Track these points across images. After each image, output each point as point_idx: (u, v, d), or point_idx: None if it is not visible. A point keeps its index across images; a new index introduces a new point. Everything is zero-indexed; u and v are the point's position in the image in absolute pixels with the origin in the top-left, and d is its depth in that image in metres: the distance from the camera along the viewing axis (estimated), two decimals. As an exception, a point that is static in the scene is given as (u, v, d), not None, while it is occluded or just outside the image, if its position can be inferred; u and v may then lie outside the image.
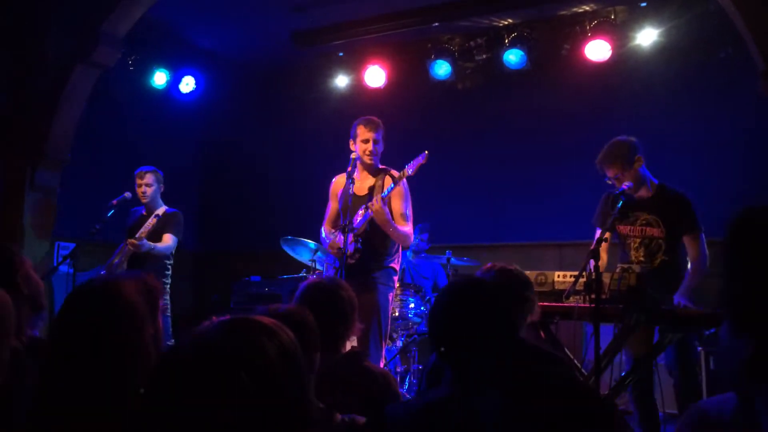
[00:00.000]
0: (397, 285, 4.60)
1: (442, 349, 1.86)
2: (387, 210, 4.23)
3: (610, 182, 4.02)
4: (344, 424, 1.72)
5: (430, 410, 1.75)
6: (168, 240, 5.26)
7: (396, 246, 4.45)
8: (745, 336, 1.00)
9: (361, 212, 4.35)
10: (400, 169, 4.27)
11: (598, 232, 4.21)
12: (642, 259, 4.03)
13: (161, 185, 5.47)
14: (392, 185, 4.22)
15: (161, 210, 5.38)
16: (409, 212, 4.41)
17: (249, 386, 1.08)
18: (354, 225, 4.28)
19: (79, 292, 1.78)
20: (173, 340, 5.09)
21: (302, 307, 2.33)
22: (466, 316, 1.84)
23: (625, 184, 3.90)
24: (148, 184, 5.39)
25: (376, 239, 4.33)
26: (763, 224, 1.04)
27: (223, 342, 1.12)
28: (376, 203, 4.17)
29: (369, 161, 4.42)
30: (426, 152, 4.14)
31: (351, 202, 4.31)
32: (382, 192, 4.30)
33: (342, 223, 4.32)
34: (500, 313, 1.86)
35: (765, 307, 0.98)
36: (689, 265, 3.99)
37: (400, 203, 4.34)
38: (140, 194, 5.39)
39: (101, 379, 1.60)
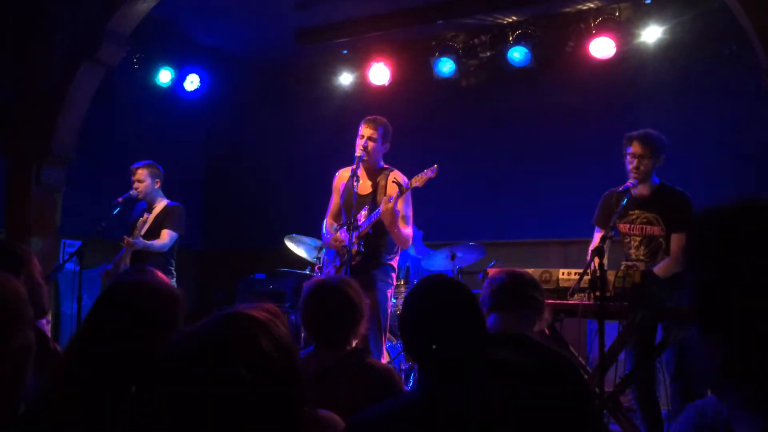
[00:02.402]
0: (396, 282, 4.64)
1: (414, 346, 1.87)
2: (398, 211, 4.27)
3: (626, 158, 4.01)
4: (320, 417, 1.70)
5: (402, 412, 1.75)
6: (165, 237, 5.22)
7: (395, 245, 4.52)
8: (716, 337, 0.99)
9: (364, 213, 4.41)
10: (405, 170, 4.29)
11: (597, 231, 4.22)
12: (643, 257, 4.03)
13: (157, 179, 5.42)
14: (399, 192, 4.24)
15: (161, 204, 5.38)
16: (410, 214, 4.48)
17: (248, 378, 1.08)
18: (359, 224, 4.35)
19: (112, 289, 1.80)
20: None
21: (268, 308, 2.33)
22: (439, 311, 1.84)
23: (630, 182, 3.91)
24: (140, 180, 5.37)
25: (376, 239, 4.40)
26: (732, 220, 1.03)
27: (218, 336, 1.13)
28: (388, 204, 4.19)
29: (358, 155, 4.45)
30: (435, 166, 4.15)
31: (355, 200, 4.38)
32: (386, 193, 4.37)
33: (346, 221, 4.36)
34: (468, 307, 1.87)
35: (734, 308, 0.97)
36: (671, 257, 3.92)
37: (401, 205, 4.38)
38: (135, 190, 5.40)
39: (120, 376, 1.61)
